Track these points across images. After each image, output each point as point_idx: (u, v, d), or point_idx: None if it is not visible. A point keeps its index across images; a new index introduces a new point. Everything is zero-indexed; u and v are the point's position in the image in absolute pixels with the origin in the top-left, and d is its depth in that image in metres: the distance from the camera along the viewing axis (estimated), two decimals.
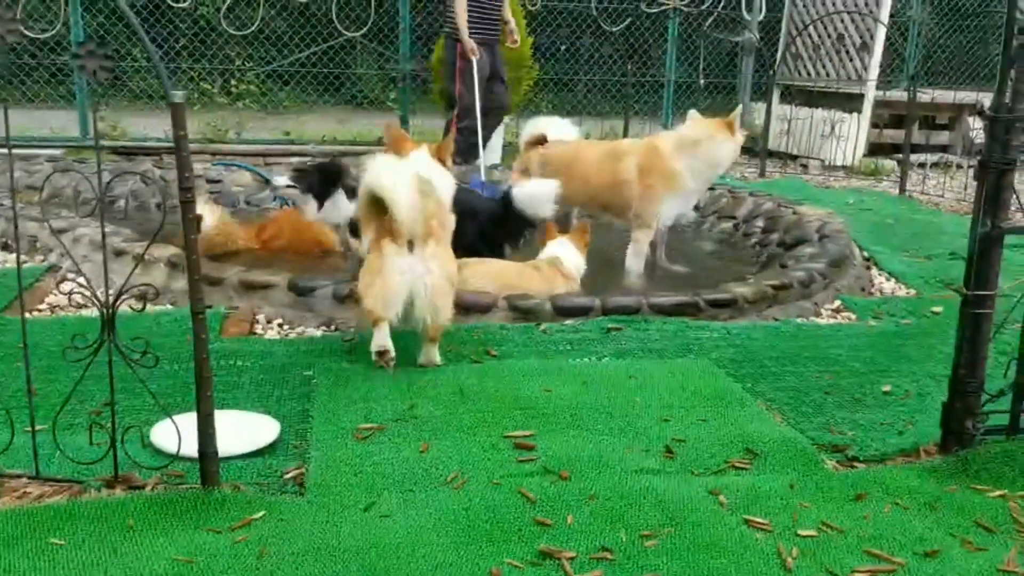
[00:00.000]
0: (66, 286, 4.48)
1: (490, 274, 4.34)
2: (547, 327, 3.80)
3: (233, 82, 11.65)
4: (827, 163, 9.09)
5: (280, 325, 4.00)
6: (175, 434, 2.31)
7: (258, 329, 3.93)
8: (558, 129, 6.39)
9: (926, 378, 3.40)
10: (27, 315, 4.04)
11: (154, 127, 9.14)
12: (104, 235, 2.41)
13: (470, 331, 3.71)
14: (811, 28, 9.66)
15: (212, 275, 4.28)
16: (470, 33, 7.57)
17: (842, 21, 9.51)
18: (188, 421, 2.33)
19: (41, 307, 4.22)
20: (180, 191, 2.14)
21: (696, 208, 7.03)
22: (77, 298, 3.62)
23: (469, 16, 7.59)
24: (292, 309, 4.09)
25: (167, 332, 3.69)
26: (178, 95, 2.10)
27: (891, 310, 4.43)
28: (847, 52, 9.33)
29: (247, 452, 2.63)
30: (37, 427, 2.41)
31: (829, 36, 9.69)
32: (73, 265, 4.55)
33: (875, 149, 9.43)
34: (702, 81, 10.27)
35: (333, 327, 3.95)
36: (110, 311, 2.22)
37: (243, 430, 2.72)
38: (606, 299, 4.02)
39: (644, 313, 3.96)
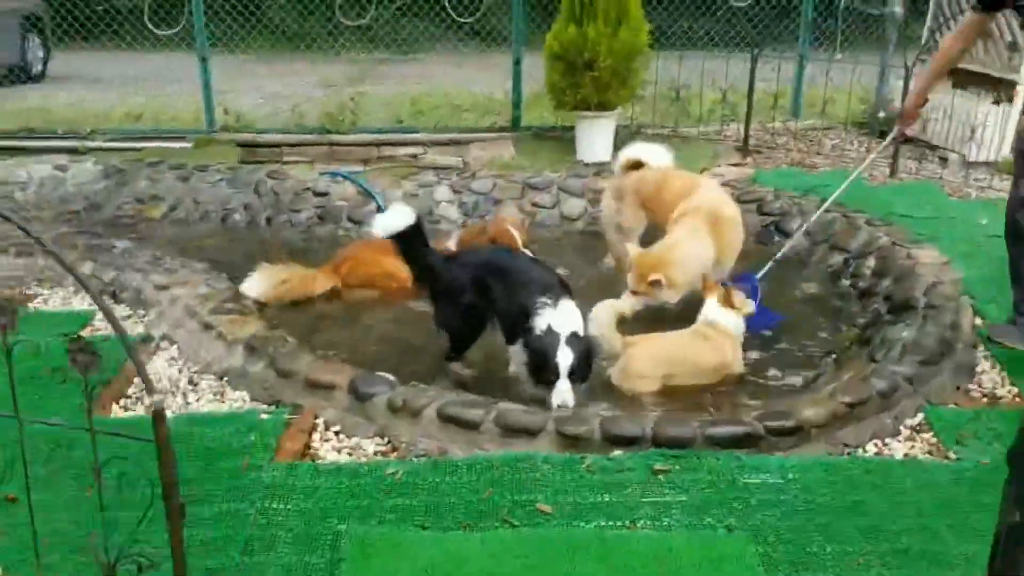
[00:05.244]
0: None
1: (652, 351, 4.29)
2: (591, 463, 3.72)
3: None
4: (968, 158, 8.33)
5: (337, 434, 4.09)
6: None
7: (315, 440, 4.03)
8: (654, 155, 6.32)
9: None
10: (115, 407, 4.33)
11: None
12: None
13: (512, 466, 3.70)
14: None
15: (284, 367, 4.43)
16: None
17: None
18: None
19: (129, 393, 4.46)
20: (163, 486, 2.20)
21: (807, 234, 6.70)
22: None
23: None
24: (351, 414, 4.17)
25: (223, 445, 3.86)
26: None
27: (980, 431, 4.06)
28: (1000, 34, 8.38)
29: None
30: None
31: None
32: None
33: None
34: (839, 56, 9.54)
35: (386, 439, 4.02)
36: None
37: None
38: (660, 427, 3.89)
39: (698, 446, 3.82)
